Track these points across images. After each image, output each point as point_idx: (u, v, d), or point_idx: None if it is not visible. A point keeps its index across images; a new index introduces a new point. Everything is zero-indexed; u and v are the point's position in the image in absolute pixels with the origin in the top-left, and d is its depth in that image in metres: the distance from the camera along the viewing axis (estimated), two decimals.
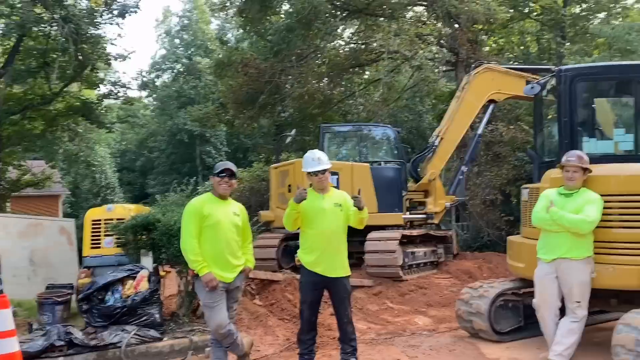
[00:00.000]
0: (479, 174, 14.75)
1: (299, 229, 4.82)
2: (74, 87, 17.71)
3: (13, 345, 4.01)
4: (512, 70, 10.38)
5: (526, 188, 6.05)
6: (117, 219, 7.42)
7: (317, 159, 4.73)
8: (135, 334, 5.59)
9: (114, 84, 19.05)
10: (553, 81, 5.79)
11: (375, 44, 15.08)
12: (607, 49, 15.06)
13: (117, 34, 19.59)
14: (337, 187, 9.72)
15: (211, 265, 4.46)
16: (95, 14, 14.99)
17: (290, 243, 9.70)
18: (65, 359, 5.30)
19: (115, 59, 17.07)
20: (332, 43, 17.80)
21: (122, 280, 6.07)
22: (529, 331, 5.89)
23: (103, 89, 18.70)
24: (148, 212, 7.01)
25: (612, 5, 18.23)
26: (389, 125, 12.38)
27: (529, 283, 5.39)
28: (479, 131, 11.19)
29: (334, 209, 4.70)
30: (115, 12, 15.70)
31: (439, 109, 18.82)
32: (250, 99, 17.10)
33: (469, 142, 11.61)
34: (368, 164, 10.73)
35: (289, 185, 10.00)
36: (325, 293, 4.81)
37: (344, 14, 17.09)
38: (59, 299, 6.71)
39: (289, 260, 9.54)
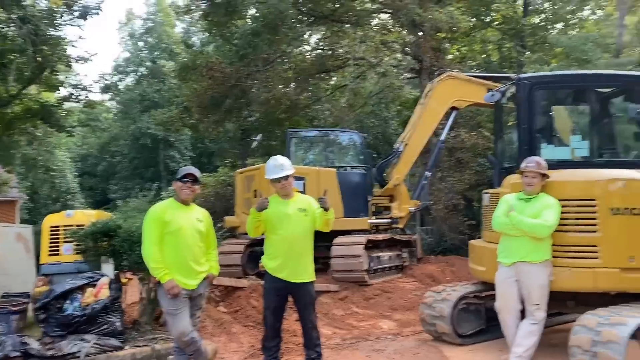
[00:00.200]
0: (442, 179, 15.01)
1: (263, 234, 4.79)
2: (33, 89, 17.21)
3: None
4: (474, 78, 10.59)
5: (487, 193, 6.17)
6: (77, 225, 7.23)
7: (279, 166, 4.72)
8: (95, 343, 5.44)
9: (74, 86, 18.62)
10: (512, 89, 5.93)
11: (341, 50, 15.20)
12: (565, 58, 15.57)
13: (78, 36, 19.43)
14: (303, 192, 9.80)
15: (173, 272, 4.39)
16: (55, 14, 14.62)
17: (255, 249, 9.64)
18: None
19: (76, 61, 16.69)
20: (299, 48, 17.85)
21: (81, 288, 5.90)
22: (491, 334, 5.99)
23: (63, 91, 18.27)
24: (109, 218, 6.85)
25: (569, 16, 18.91)
26: (355, 131, 12.47)
27: (491, 286, 5.49)
28: (442, 137, 11.37)
29: (298, 214, 4.68)
30: (76, 14, 15.35)
31: (404, 115, 19.08)
32: (215, 103, 16.98)
33: (433, 148, 11.79)
34: (334, 169, 10.77)
35: (255, 191, 9.95)
36: (290, 299, 4.80)
37: (310, 20, 17.18)
38: (15, 308, 6.46)
39: (254, 266, 9.48)
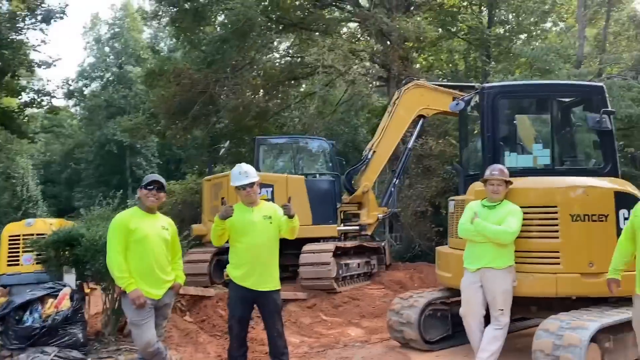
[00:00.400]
0: (410, 186, 15.16)
1: (227, 242, 4.74)
2: None
3: None
4: (440, 87, 10.77)
5: (452, 200, 6.25)
6: (38, 234, 7.05)
7: (243, 173, 4.68)
8: (55, 355, 5.28)
9: (37, 92, 18.21)
10: (477, 98, 6.04)
11: (310, 58, 15.26)
12: (528, 69, 15.94)
13: (41, 40, 18.90)
14: (272, 199, 9.76)
15: (139, 282, 4.31)
16: (17, 18, 14.28)
17: (222, 257, 9.53)
18: None
19: (39, 66, 16.32)
20: (268, 56, 17.84)
21: (42, 299, 5.73)
22: (457, 339, 6.06)
23: (25, 97, 17.80)
24: (71, 226, 6.69)
25: (532, 27, 19.41)
26: (324, 138, 12.51)
27: (457, 292, 5.55)
28: (410, 145, 11.50)
29: (263, 221, 4.65)
30: (40, 17, 15.03)
31: (373, 122, 19.23)
32: (182, 109, 16.79)
33: (401, 156, 11.91)
34: (303, 177, 10.76)
35: (222, 198, 9.70)
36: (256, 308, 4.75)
37: (279, 27, 17.20)
38: None
39: (221, 275, 9.37)
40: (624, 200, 5.11)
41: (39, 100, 17.80)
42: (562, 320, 4.64)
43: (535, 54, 13.28)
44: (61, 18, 15.98)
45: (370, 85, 15.51)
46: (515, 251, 5.05)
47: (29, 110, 18.22)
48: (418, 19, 14.92)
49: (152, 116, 20.02)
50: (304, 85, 20.62)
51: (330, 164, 11.33)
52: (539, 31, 19.98)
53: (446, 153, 14.85)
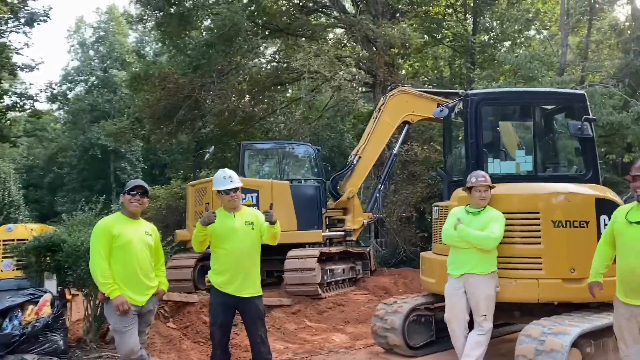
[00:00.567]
0: (395, 191, 15.21)
1: (209, 248, 4.72)
2: None
3: None
4: (425, 94, 10.85)
5: (436, 206, 6.28)
6: (18, 240, 6.96)
7: (228, 177, 4.67)
8: None
9: (20, 95, 17.98)
10: (460, 105, 6.09)
11: (296, 64, 15.29)
12: (512, 76, 16.10)
13: (24, 43, 18.58)
14: (256, 204, 9.72)
15: (122, 288, 4.27)
16: None
17: (206, 263, 9.45)
18: None
19: (22, 69, 16.13)
20: (254, 61, 17.83)
21: (22, 306, 5.66)
22: (441, 345, 6.06)
23: (7, 100, 17.56)
24: (53, 231, 6.61)
25: (516, 35, 19.64)
26: (309, 144, 12.51)
27: (441, 298, 5.57)
28: (395, 151, 11.55)
29: (245, 227, 4.63)
30: (23, 20, 14.87)
31: (359, 128, 19.30)
32: (168, 114, 16.71)
33: (386, 161, 11.96)
34: (288, 182, 10.75)
35: (207, 204, 9.73)
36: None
37: (265, 33, 17.21)
38: None
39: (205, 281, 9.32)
40: (604, 207, 5.17)
41: (21, 103, 17.59)
42: (544, 325, 4.67)
43: (519, 61, 13.42)
44: (45, 21, 15.84)
45: (356, 91, 15.55)
46: (498, 257, 5.08)
47: (11, 114, 17.97)
48: (404, 25, 15.02)
49: (137, 120, 19.89)
50: (290, 91, 20.63)
51: (316, 170, 11.33)
52: (522, 39, 20.23)
53: (431, 159, 14.95)
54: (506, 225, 5.06)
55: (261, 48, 18.39)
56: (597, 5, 16.63)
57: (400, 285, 10.67)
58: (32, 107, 18.07)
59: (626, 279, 3.84)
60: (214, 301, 4.66)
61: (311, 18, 18.16)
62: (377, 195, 11.69)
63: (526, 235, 5.22)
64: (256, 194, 9.89)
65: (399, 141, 11.53)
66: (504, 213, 5.10)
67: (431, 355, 6.01)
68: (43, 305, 5.64)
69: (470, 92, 6.20)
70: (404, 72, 19.14)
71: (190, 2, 15.19)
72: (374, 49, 15.87)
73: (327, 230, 10.86)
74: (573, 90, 8.10)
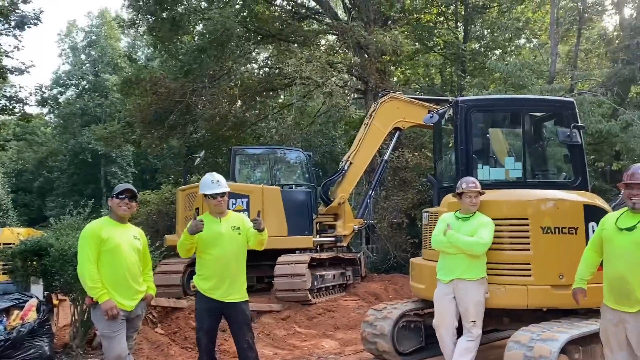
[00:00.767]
0: (386, 197, 15.24)
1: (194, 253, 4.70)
2: None
3: None
4: (415, 100, 10.89)
5: (426, 212, 6.28)
6: (4, 244, 6.89)
7: (216, 182, 4.65)
8: None
9: (9, 98, 17.84)
10: (451, 111, 6.11)
11: (288, 69, 15.31)
12: (503, 84, 16.22)
13: (14, 46, 18.37)
14: (247, 209, 9.70)
15: (111, 292, 4.23)
16: None
17: (195, 268, 9.41)
18: None
19: (12, 72, 16.01)
20: (246, 66, 17.83)
21: (7, 311, 5.60)
22: (430, 351, 6.05)
23: None
24: (40, 236, 6.55)
25: (507, 43, 19.80)
26: (301, 149, 12.52)
27: (430, 304, 5.55)
28: (386, 157, 11.58)
29: (231, 232, 4.61)
30: (13, 23, 14.79)
31: (351, 134, 19.34)
32: (159, 118, 16.65)
33: (377, 167, 11.98)
34: (279, 187, 10.74)
35: (197, 209, 9.76)
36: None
37: (258, 38, 17.23)
38: None
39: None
40: (593, 213, 5.19)
41: (10, 107, 17.46)
42: (532, 331, 4.67)
43: (509, 69, 13.52)
44: (35, 24, 15.77)
45: (348, 97, 15.60)
46: (488, 263, 5.09)
47: (0, 117, 17.84)
48: (395, 33, 15.09)
49: (128, 125, 19.80)
50: (282, 97, 20.64)
51: (307, 175, 11.33)
52: (513, 47, 20.41)
53: (422, 165, 15.00)
54: (495, 231, 5.06)
55: (253, 53, 18.40)
56: (586, 15, 16.81)
57: (390, 291, 10.67)
58: (22, 111, 17.92)
59: (615, 286, 3.86)
60: (200, 307, 4.62)
61: (303, 24, 18.20)
62: (368, 201, 11.70)
63: (515, 242, 5.22)
64: (247, 199, 9.87)
65: (390, 147, 11.57)
66: (493, 219, 5.10)
67: None
68: (29, 310, 5.58)
69: (460, 98, 6.22)
70: (395, 79, 19.23)
71: (182, 7, 15.17)
72: (366, 55, 15.93)
73: (318, 235, 10.85)
74: (562, 98, 8.16)
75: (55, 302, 6.46)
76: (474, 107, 5.98)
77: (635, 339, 3.75)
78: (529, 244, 5.18)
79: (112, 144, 21.13)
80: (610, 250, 3.96)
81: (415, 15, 19.31)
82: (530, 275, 5.13)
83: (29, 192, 35.33)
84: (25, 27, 15.48)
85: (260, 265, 9.61)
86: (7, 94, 18.56)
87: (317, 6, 18.19)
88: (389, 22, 17.55)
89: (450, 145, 6.63)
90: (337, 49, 17.49)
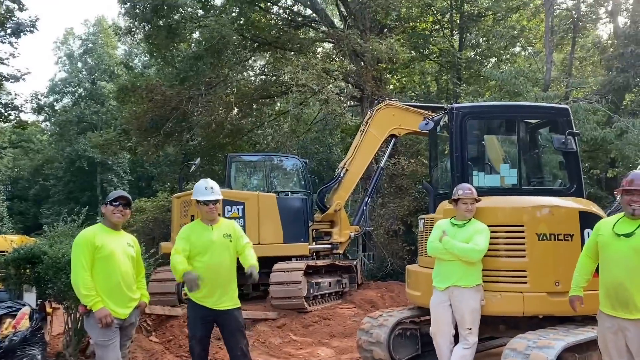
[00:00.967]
0: (382, 204, 15.23)
1: None
2: None
3: None
4: (411, 107, 10.91)
5: (422, 219, 6.26)
6: None
7: (209, 188, 4.65)
8: None
9: (5, 106, 17.81)
10: (446, 118, 6.11)
11: (284, 77, 15.33)
12: (498, 91, 16.29)
13: (10, 54, 18.22)
14: (243, 217, 9.68)
15: (105, 300, 4.19)
16: None
17: None
18: None
19: (7, 79, 15.99)
20: (242, 74, 17.86)
21: None
22: (426, 358, 6.00)
23: None
24: (33, 243, 6.50)
25: (502, 51, 19.91)
26: (297, 156, 12.51)
27: (426, 311, 5.52)
28: (382, 164, 11.58)
29: (223, 240, 4.60)
30: (9, 30, 14.78)
31: (347, 141, 19.35)
32: (155, 125, 16.65)
33: (373, 174, 11.98)
34: (274, 194, 10.71)
35: (192, 216, 9.73)
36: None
37: (254, 46, 17.27)
38: None
39: None
40: (588, 220, 5.17)
41: (6, 114, 17.44)
42: (529, 339, 4.65)
43: (504, 77, 13.58)
44: (31, 32, 15.78)
45: (344, 104, 15.62)
46: (483, 270, 5.07)
47: None
48: (391, 40, 15.14)
49: (124, 132, 19.79)
50: (278, 104, 20.66)
51: (303, 182, 11.31)
52: (508, 55, 20.52)
53: (418, 172, 15.02)
54: (491, 238, 5.05)
55: (249, 61, 18.45)
56: (580, 24, 16.93)
57: (387, 298, 10.64)
58: (18, 118, 17.90)
59: (612, 292, 3.84)
60: (193, 315, 4.60)
61: (300, 32, 18.26)
62: (364, 208, 11.69)
63: (511, 249, 5.21)
64: (242, 207, 9.84)
65: (386, 154, 11.57)
66: (488, 226, 5.09)
67: None
68: (21, 318, 5.53)
69: (455, 105, 6.23)
70: (391, 86, 19.29)
71: (179, 14, 15.20)
72: (362, 63, 15.98)
73: (314, 243, 10.81)
74: (557, 105, 8.18)
75: (48, 310, 6.40)
76: (469, 114, 5.98)
77: (636, 347, 3.71)
78: (524, 250, 5.16)
79: (108, 152, 21.11)
80: (607, 257, 3.94)
81: (411, 23, 19.40)
82: (526, 282, 5.11)
83: (24, 200, 35.21)
84: (21, 34, 15.50)
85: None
86: (3, 101, 18.51)
87: (314, 14, 18.26)
88: (385, 30, 17.63)
89: (445, 152, 6.62)
90: (333, 56, 17.54)
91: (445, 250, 5.03)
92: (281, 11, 18.79)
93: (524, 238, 5.17)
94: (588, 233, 5.12)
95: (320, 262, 10.31)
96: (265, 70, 19.28)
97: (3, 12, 14.66)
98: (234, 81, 16.86)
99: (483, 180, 5.84)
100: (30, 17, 16.18)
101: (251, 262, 4.67)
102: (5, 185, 33.08)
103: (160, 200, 19.60)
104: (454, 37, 20.20)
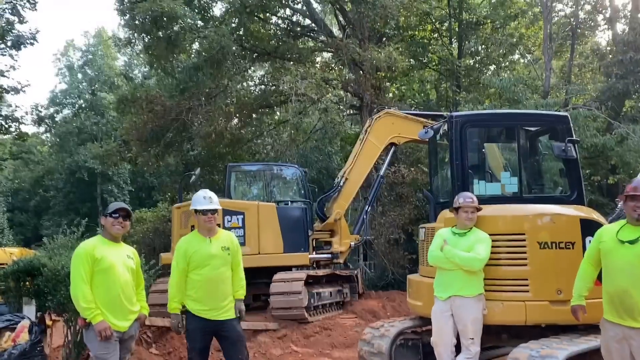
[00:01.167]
0: (383, 213, 15.19)
1: None
2: None
3: None
4: (411, 116, 10.91)
5: (423, 228, 6.24)
6: None
7: (208, 198, 4.66)
8: None
9: (5, 118, 17.86)
10: (445, 126, 6.10)
11: (283, 86, 15.36)
12: (498, 99, 16.33)
13: (10, 66, 18.31)
14: (242, 226, 9.64)
15: (104, 313, 4.17)
16: None
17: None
18: None
19: (7, 91, 16.04)
20: (242, 84, 17.90)
21: None
22: None
23: None
24: (33, 255, 6.48)
25: (501, 59, 19.96)
26: (296, 165, 12.49)
27: (428, 321, 5.48)
28: (382, 172, 11.56)
29: (222, 253, 4.60)
30: (9, 43, 14.85)
31: (347, 150, 19.34)
32: (155, 136, 16.68)
33: (373, 183, 11.96)
34: (274, 204, 10.68)
35: (192, 226, 9.69)
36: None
37: (253, 56, 17.33)
38: None
39: None
40: (589, 228, 5.14)
41: (6, 126, 17.50)
42: (531, 348, 4.61)
43: (503, 84, 13.61)
44: (32, 44, 15.86)
45: (343, 113, 15.65)
46: (485, 279, 5.04)
47: None
48: (390, 49, 15.18)
49: (124, 143, 19.81)
50: (277, 113, 20.70)
51: (303, 192, 11.29)
52: (507, 63, 20.57)
53: (418, 180, 14.99)
54: (492, 247, 5.03)
55: (249, 71, 18.50)
56: (579, 31, 16.99)
57: (388, 308, 10.57)
58: (18, 130, 17.97)
59: (617, 300, 3.80)
60: (192, 327, 4.59)
61: (298, 42, 18.32)
62: (365, 217, 11.64)
63: (512, 257, 5.18)
64: (242, 216, 9.81)
65: (386, 163, 11.55)
66: (489, 235, 5.07)
67: None
68: (20, 331, 5.50)
69: (455, 113, 6.23)
70: (390, 95, 19.32)
71: (178, 25, 15.26)
72: (361, 72, 16.01)
73: (314, 252, 10.76)
74: (557, 112, 8.19)
75: (48, 322, 6.38)
76: (468, 122, 5.98)
77: None
78: (526, 259, 5.13)
79: (108, 162, 21.15)
80: (610, 264, 3.91)
81: (409, 32, 19.46)
82: (528, 291, 5.08)
83: (25, 211, 35.18)
84: (22, 47, 15.57)
85: (256, 283, 9.51)
86: (4, 114, 18.57)
87: (312, 24, 18.32)
88: (384, 39, 17.68)
89: (445, 160, 6.61)
90: (332, 65, 17.59)
91: (446, 260, 5.00)
92: (280, 21, 18.87)
93: (525, 246, 5.14)
94: (589, 241, 5.07)
95: (320, 272, 10.25)
96: (265, 80, 19.32)
97: (3, 24, 14.74)
98: (234, 91, 16.90)
99: (484, 189, 5.81)
100: (30, 29, 16.30)
101: (239, 295, 4.76)
102: (5, 197, 33.06)
103: (160, 211, 19.60)
104: (453, 45, 20.26)
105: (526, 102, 12.82)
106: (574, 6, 17.60)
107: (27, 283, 6.14)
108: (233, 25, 16.65)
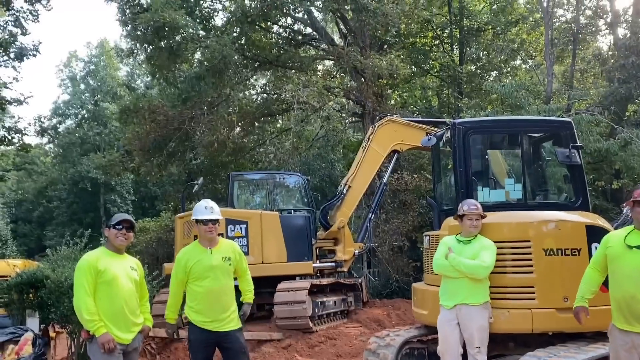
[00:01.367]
0: (386, 221, 15.15)
1: None
2: None
3: None
4: (413, 123, 10.89)
5: (427, 235, 6.20)
6: (0, 276, 6.78)
7: (209, 208, 4.65)
8: None
9: (8, 129, 17.92)
10: (448, 133, 6.08)
11: (285, 94, 15.38)
12: (500, 105, 16.31)
13: (13, 78, 18.36)
14: (245, 236, 9.61)
15: (108, 325, 4.14)
16: None
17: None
18: None
19: (10, 103, 16.09)
20: (244, 93, 17.94)
21: (1, 345, 5.50)
22: None
23: None
24: (36, 267, 6.47)
25: (502, 65, 19.98)
26: (299, 174, 12.47)
27: (434, 330, 5.44)
28: (385, 180, 11.52)
29: (223, 264, 4.57)
30: (12, 55, 14.92)
31: (349, 158, 19.34)
32: (158, 146, 16.71)
33: (376, 190, 11.93)
34: (277, 213, 10.64)
35: (195, 236, 9.66)
36: None
37: (255, 65, 17.38)
38: None
39: None
40: (595, 234, 5.10)
41: (10, 137, 17.55)
42: (539, 356, 4.57)
43: (505, 90, 13.58)
44: (34, 56, 15.93)
45: (346, 121, 15.65)
46: (490, 287, 5.00)
47: None
48: (391, 56, 15.21)
49: (127, 153, 19.85)
50: (279, 122, 20.72)
51: (306, 200, 11.26)
52: (509, 68, 20.58)
53: (422, 187, 14.96)
54: (497, 254, 4.99)
55: (251, 80, 18.54)
56: (580, 36, 16.99)
57: (393, 317, 10.50)
58: (21, 141, 18.02)
59: (624, 306, 3.77)
60: (195, 338, 4.57)
61: (300, 50, 18.38)
62: (368, 224, 11.60)
63: (518, 264, 5.15)
64: (245, 225, 9.78)
65: (389, 170, 11.53)
66: (494, 242, 5.03)
67: None
68: (24, 344, 5.49)
69: (457, 120, 6.21)
70: (392, 102, 19.31)
71: (180, 36, 15.33)
72: (363, 79, 16.03)
73: (318, 261, 10.70)
74: (560, 118, 8.16)
75: (52, 334, 6.36)
76: (471, 129, 5.96)
77: None
78: (532, 266, 5.10)
79: (111, 172, 21.20)
80: (618, 270, 3.88)
81: (410, 39, 19.50)
82: (534, 299, 5.04)
83: (28, 222, 35.25)
84: (24, 58, 15.65)
85: (260, 292, 9.45)
86: (7, 125, 18.65)
87: (314, 32, 18.37)
88: (385, 47, 17.71)
89: (449, 167, 6.58)
90: (334, 73, 17.62)
91: (451, 268, 4.97)
92: (281, 30, 18.93)
93: (530, 254, 5.11)
94: (595, 247, 5.05)
95: (324, 281, 10.20)
96: (267, 88, 19.36)
97: (6, 37, 14.83)
98: (236, 100, 16.93)
99: (488, 196, 5.79)
100: (33, 41, 16.38)
101: (248, 298, 4.82)
102: (9, 208, 33.16)
103: (163, 220, 19.58)
104: (454, 52, 20.28)
105: (529, 107, 12.79)
106: (575, 11, 17.63)
107: (31, 295, 6.13)
108: (235, 34, 16.71)
